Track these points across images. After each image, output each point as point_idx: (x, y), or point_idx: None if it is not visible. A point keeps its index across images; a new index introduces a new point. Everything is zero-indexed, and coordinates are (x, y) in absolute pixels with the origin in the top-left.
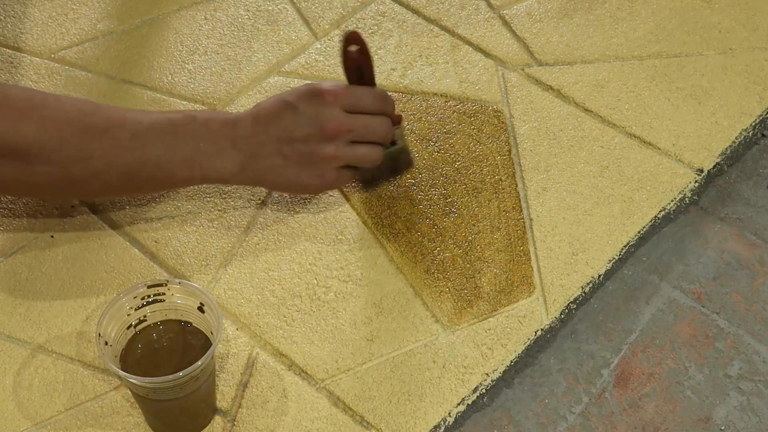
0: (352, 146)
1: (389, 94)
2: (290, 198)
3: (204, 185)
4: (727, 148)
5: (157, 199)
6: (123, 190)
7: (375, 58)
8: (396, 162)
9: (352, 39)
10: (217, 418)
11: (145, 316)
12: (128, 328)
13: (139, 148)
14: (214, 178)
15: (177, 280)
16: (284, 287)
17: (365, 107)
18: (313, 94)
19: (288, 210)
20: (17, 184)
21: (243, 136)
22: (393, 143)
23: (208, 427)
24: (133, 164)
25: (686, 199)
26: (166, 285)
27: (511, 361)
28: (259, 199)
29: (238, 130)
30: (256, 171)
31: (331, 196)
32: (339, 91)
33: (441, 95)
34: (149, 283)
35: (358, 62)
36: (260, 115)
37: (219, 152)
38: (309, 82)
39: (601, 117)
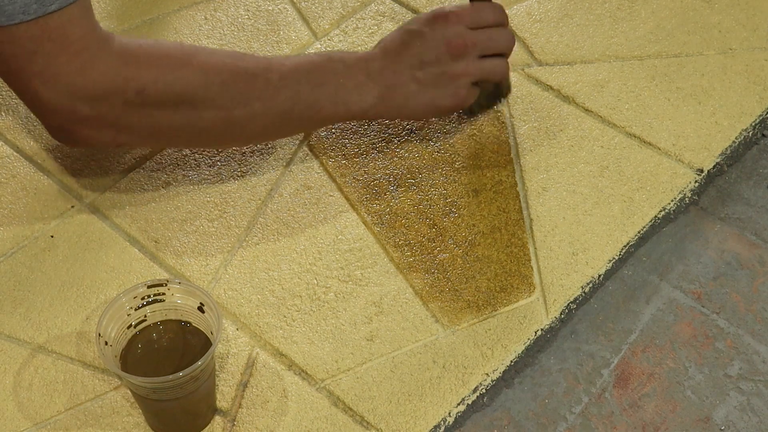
0: (480, 61)
1: None
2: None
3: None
4: (727, 148)
5: (157, 199)
6: (278, 131)
7: None
8: (498, 86)
9: None
10: (217, 418)
11: (145, 316)
12: (128, 327)
13: (289, 87)
14: (356, 112)
15: (177, 280)
16: (284, 287)
17: (487, 21)
18: (437, 18)
19: (288, 210)
20: (185, 132)
21: (377, 70)
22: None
23: (208, 427)
24: (286, 103)
25: (686, 199)
26: (166, 285)
27: (511, 361)
28: (259, 199)
29: (371, 65)
30: (395, 100)
31: (330, 196)
32: (460, 11)
33: None
34: (149, 283)
35: None
36: (388, 47)
37: (357, 87)
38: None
39: (601, 117)
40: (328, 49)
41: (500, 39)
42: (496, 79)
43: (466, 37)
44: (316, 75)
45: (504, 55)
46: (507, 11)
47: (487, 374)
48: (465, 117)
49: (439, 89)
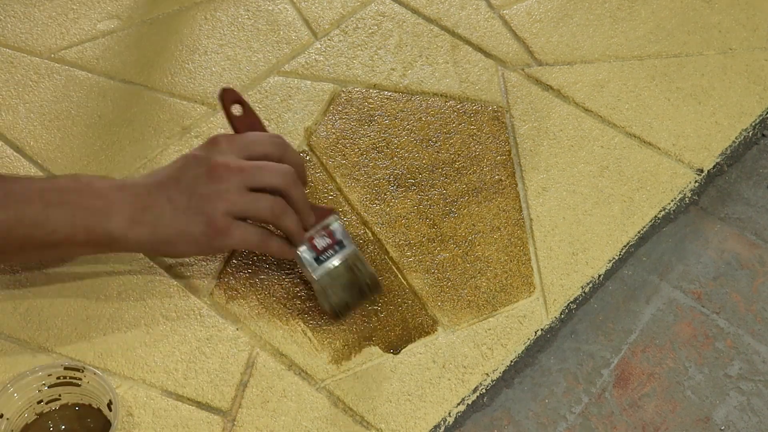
0: (244, 191)
1: (390, 93)
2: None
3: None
4: (727, 148)
5: None
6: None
7: (375, 58)
8: (354, 273)
9: (231, 98)
10: (217, 418)
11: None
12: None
13: (13, 205)
14: (100, 235)
15: (92, 369)
16: (284, 287)
17: (264, 151)
18: (210, 140)
19: None
20: None
21: (133, 191)
22: (341, 245)
23: (207, 427)
24: (6, 221)
25: (686, 199)
26: (82, 371)
27: (511, 361)
28: None
29: (128, 186)
30: (146, 224)
31: (330, 196)
32: (234, 136)
33: (441, 95)
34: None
35: (247, 124)
36: (157, 170)
37: (106, 207)
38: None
39: (601, 117)
40: (328, 48)
41: (274, 172)
42: (260, 217)
43: (230, 160)
44: (55, 194)
45: (281, 191)
46: (507, 11)
47: (487, 374)
48: (365, 297)
49: (191, 214)
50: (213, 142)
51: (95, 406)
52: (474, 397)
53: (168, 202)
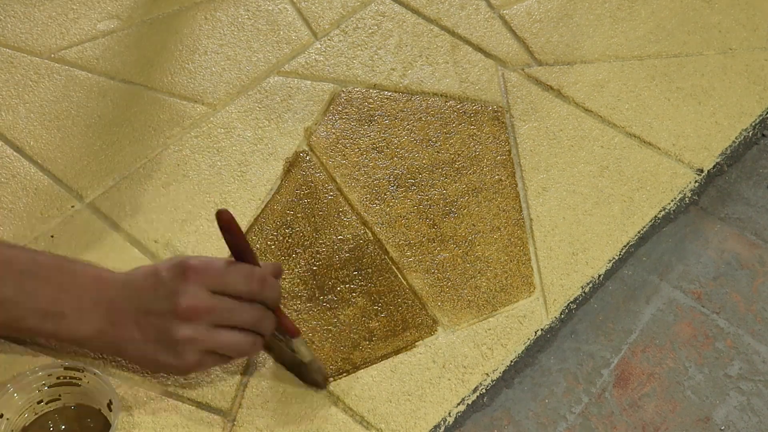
0: (214, 331)
1: (390, 93)
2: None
3: None
4: (727, 148)
5: (157, 199)
6: None
7: (375, 58)
8: (309, 375)
9: (224, 221)
10: (217, 418)
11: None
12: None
13: None
14: (65, 337)
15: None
16: (284, 287)
17: (235, 289)
18: (178, 267)
19: (288, 210)
20: None
21: (107, 300)
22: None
23: (207, 427)
24: None
25: (686, 199)
26: (82, 371)
27: (511, 361)
28: (259, 199)
29: (105, 292)
30: (114, 341)
31: (330, 196)
32: (205, 267)
33: (441, 95)
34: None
35: (237, 248)
36: (131, 280)
37: (78, 310)
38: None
39: (601, 117)
40: (328, 48)
41: (244, 315)
42: (234, 356)
43: (198, 302)
44: (32, 279)
45: (252, 330)
46: (507, 11)
47: (487, 374)
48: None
49: (163, 347)
50: (181, 269)
51: (95, 407)
52: (474, 397)
53: (137, 328)
